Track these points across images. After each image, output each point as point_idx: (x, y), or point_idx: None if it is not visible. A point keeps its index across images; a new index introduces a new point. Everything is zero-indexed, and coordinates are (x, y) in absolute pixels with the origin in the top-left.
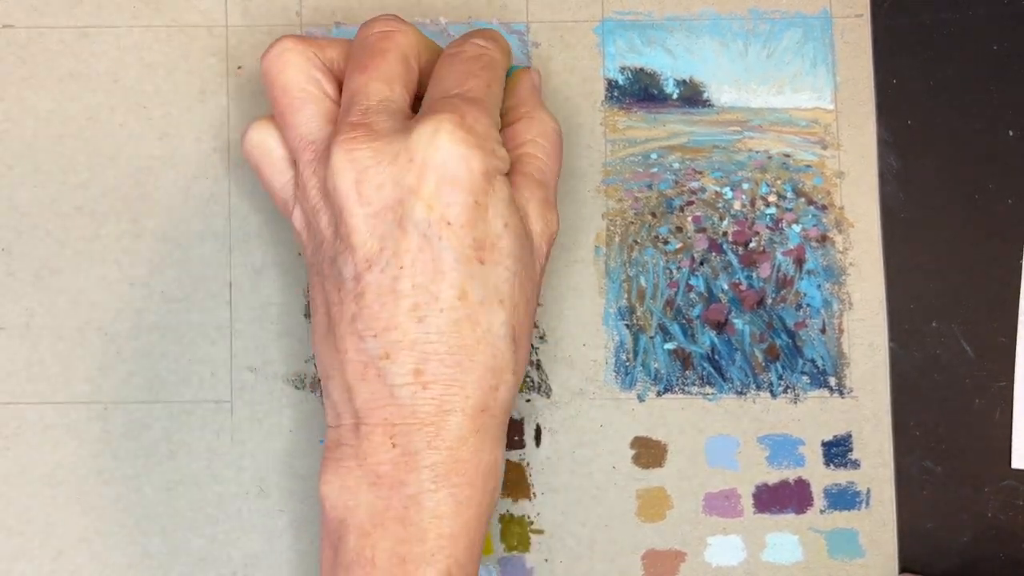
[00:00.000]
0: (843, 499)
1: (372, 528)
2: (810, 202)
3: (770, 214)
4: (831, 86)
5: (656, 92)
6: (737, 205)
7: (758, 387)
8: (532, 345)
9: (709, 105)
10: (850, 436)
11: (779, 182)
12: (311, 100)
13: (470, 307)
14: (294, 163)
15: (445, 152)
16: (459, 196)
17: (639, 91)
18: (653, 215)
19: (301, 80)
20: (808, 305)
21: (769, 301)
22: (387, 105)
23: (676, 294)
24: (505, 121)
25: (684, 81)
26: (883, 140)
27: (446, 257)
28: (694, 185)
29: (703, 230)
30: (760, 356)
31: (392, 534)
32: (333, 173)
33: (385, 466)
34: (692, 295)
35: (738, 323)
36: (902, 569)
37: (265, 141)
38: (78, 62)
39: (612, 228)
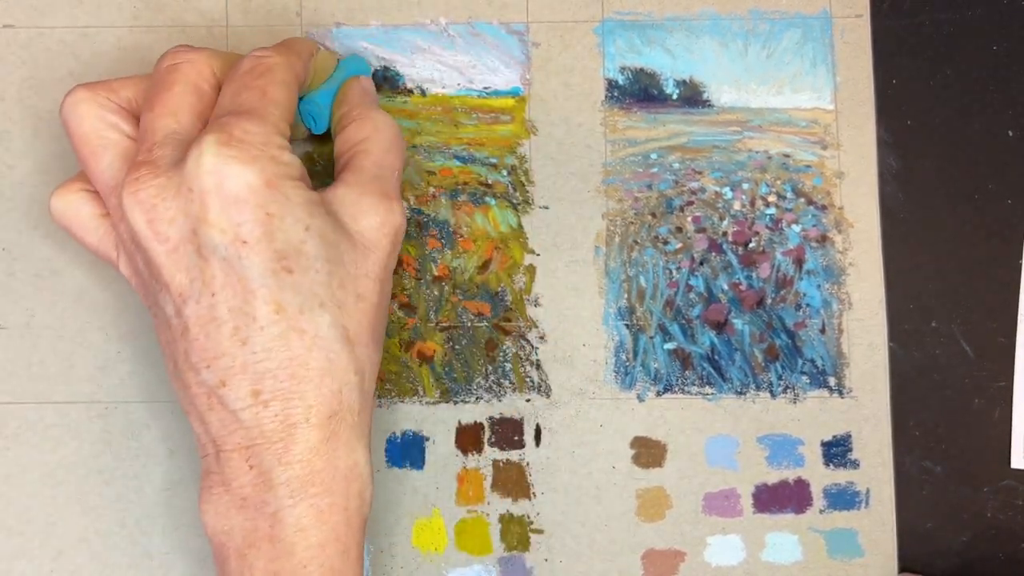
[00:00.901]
0: (842, 499)
1: (247, 549)
2: (810, 202)
3: (770, 214)
4: (831, 86)
5: (656, 92)
6: (737, 205)
7: (758, 387)
8: (532, 345)
9: (709, 105)
10: (849, 436)
11: (779, 182)
12: (109, 146)
13: (290, 318)
14: (107, 212)
15: (215, 174)
16: (246, 213)
17: (639, 91)
18: (653, 215)
19: (97, 128)
20: (808, 305)
21: (769, 301)
22: (173, 138)
23: (676, 294)
24: (338, 129)
25: (684, 81)
26: (883, 140)
27: (252, 275)
28: (694, 185)
29: (703, 230)
30: (760, 356)
31: (264, 553)
32: (126, 216)
33: (247, 488)
34: (692, 295)
35: (738, 323)
36: (901, 569)
37: (68, 207)
38: (78, 62)
39: (612, 228)
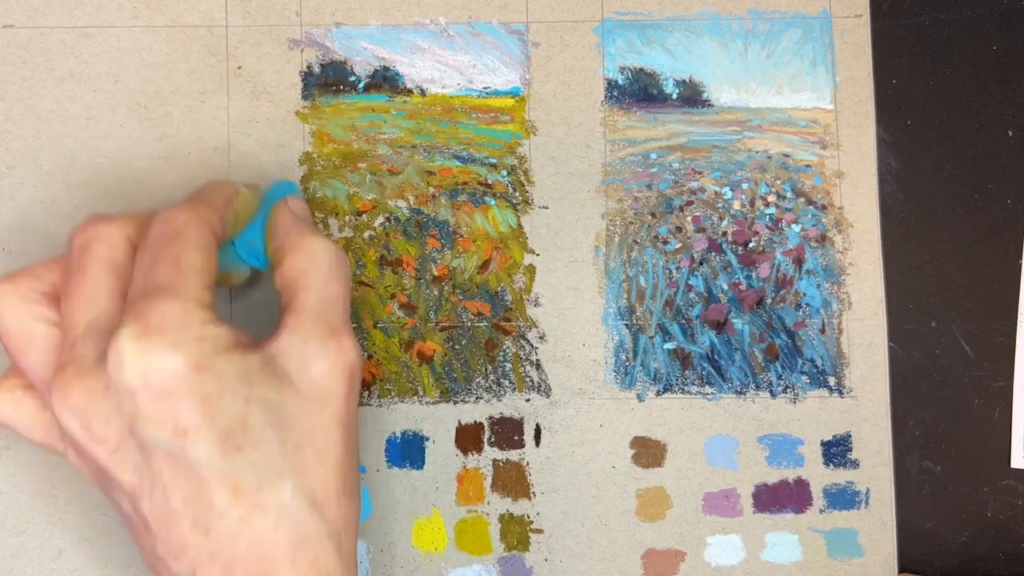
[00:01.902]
0: (842, 499)
1: None
2: (809, 202)
3: (769, 214)
4: (830, 86)
5: (656, 92)
6: (737, 205)
7: (757, 387)
8: (532, 345)
9: (709, 105)
10: (849, 436)
11: (778, 182)
12: (35, 340)
13: (249, 497)
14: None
15: (138, 370)
16: (180, 402)
17: (639, 91)
18: (653, 215)
19: (22, 322)
20: (807, 305)
21: (768, 301)
22: (95, 328)
23: (676, 294)
24: (274, 263)
25: (684, 81)
26: (882, 140)
27: (200, 463)
28: (694, 185)
29: (703, 230)
30: (759, 356)
31: None
32: (60, 422)
33: None
34: (692, 295)
35: (737, 323)
36: (901, 569)
37: (6, 406)
38: (78, 62)
39: (612, 228)
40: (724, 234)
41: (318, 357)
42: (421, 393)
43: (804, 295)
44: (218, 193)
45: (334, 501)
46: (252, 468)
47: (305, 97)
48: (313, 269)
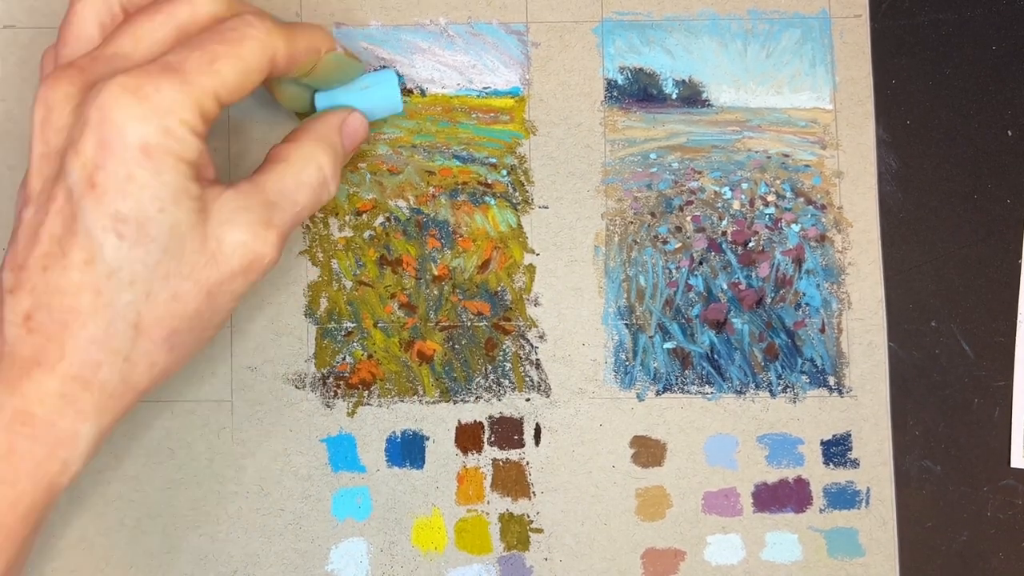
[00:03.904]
0: (842, 498)
1: None
2: (809, 202)
3: (769, 214)
4: (830, 86)
5: (655, 92)
6: (736, 205)
7: (757, 386)
8: (532, 344)
9: (708, 105)
10: (849, 435)
11: (778, 182)
12: (81, 40)
13: (95, 276)
14: None
15: (102, 112)
16: (110, 163)
17: (638, 91)
18: (652, 215)
19: (88, 18)
20: (807, 304)
21: (768, 301)
22: (119, 58)
23: (675, 294)
24: (289, 136)
25: (683, 81)
26: (882, 140)
27: (84, 219)
28: (693, 185)
29: (702, 230)
30: (759, 355)
31: None
32: (35, 103)
33: None
34: (691, 295)
35: (737, 323)
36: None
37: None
38: None
39: (611, 228)
40: (724, 234)
41: (239, 228)
42: (421, 393)
43: (804, 295)
44: (309, 37)
45: (154, 339)
46: (116, 258)
47: None
48: (301, 171)
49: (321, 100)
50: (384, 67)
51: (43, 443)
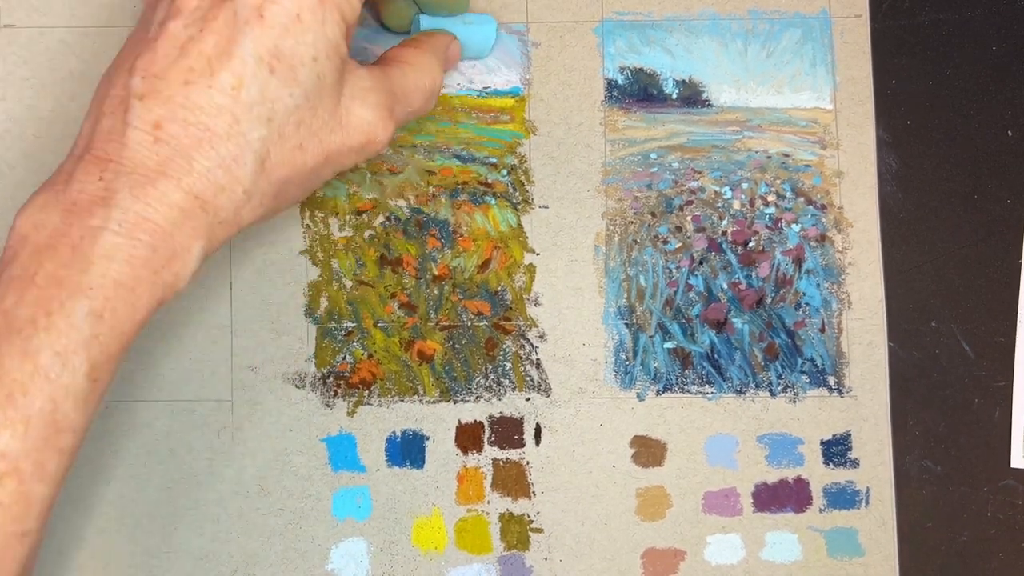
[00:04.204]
0: (842, 498)
1: (46, 248)
2: (809, 202)
3: (769, 214)
4: (830, 86)
5: (655, 92)
6: (736, 205)
7: (757, 386)
8: (532, 344)
9: (708, 105)
10: (849, 435)
11: (778, 182)
12: None
13: (238, 103)
14: None
15: None
16: (280, 4)
17: (639, 91)
18: (653, 215)
19: None
20: (807, 304)
21: (768, 300)
22: None
23: (676, 293)
24: (408, 43)
25: (683, 81)
26: (882, 140)
27: (242, 44)
28: (693, 185)
29: (702, 230)
30: (759, 355)
31: (60, 257)
32: None
33: (84, 195)
34: (691, 294)
35: (737, 322)
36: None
37: None
38: (79, 62)
39: (612, 227)
40: (724, 234)
41: (370, 106)
42: (421, 392)
43: (804, 294)
44: None
45: (272, 179)
46: (262, 92)
47: None
48: (422, 76)
49: (426, 22)
50: (487, 12)
51: (161, 253)
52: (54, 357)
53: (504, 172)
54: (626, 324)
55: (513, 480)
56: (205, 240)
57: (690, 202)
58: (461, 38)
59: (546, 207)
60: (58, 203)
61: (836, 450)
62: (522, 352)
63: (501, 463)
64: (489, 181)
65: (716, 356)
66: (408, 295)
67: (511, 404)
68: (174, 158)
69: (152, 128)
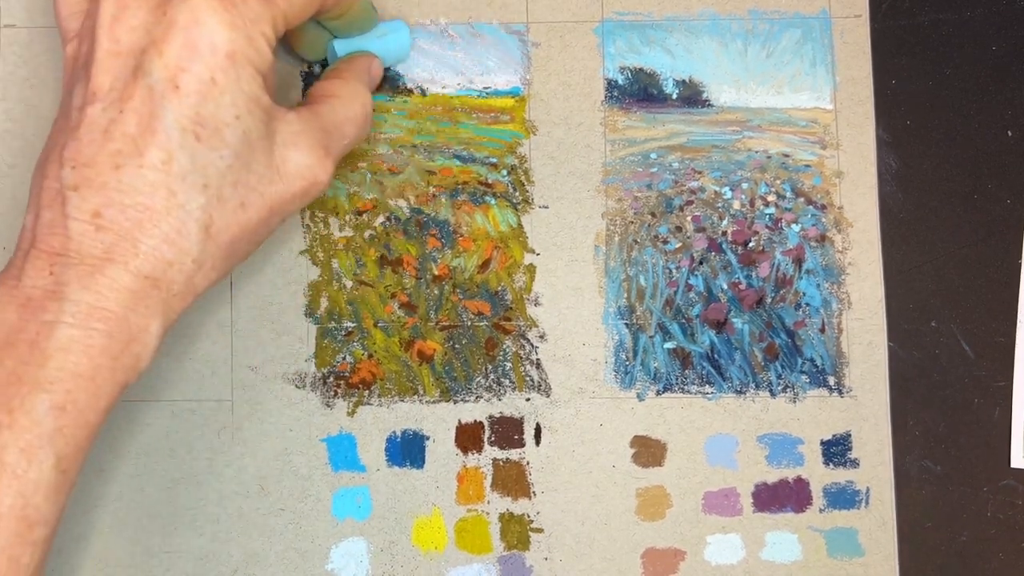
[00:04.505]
0: (842, 498)
1: (5, 345)
2: (809, 202)
3: (769, 214)
4: (830, 86)
5: (656, 92)
6: (736, 205)
7: (757, 386)
8: (532, 344)
9: (708, 105)
10: (849, 435)
11: (778, 182)
12: None
13: (171, 176)
14: None
15: (193, 14)
16: (195, 66)
17: (639, 91)
18: (653, 215)
19: None
20: (807, 304)
21: (768, 300)
22: None
23: (676, 293)
24: (329, 74)
25: (683, 81)
26: (882, 140)
27: (164, 118)
28: (693, 185)
29: (702, 230)
30: (759, 355)
31: (18, 353)
32: (98, 2)
33: (37, 291)
34: (691, 295)
35: (737, 322)
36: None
37: None
38: None
39: (612, 227)
40: (724, 234)
41: (304, 150)
42: (421, 392)
43: (804, 295)
44: None
45: (220, 243)
46: (193, 160)
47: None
48: (350, 106)
49: (340, 46)
50: (395, 18)
51: (118, 339)
52: (19, 454)
53: (504, 172)
54: (626, 324)
55: (513, 480)
56: (162, 316)
57: (690, 202)
58: (379, 52)
59: (546, 207)
60: (13, 299)
61: (836, 450)
62: (522, 352)
63: (501, 463)
64: (489, 181)
65: (716, 356)
66: (408, 295)
67: (511, 404)
68: (119, 243)
69: (92, 217)
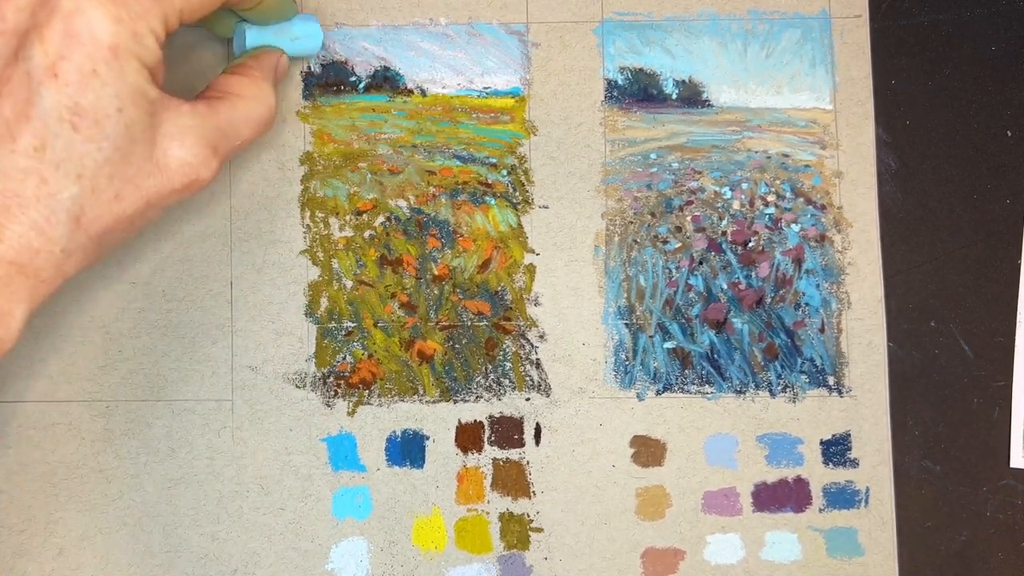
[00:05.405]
0: (842, 498)
1: None
2: (809, 202)
3: (769, 214)
4: (830, 86)
5: (655, 92)
6: (736, 205)
7: (757, 386)
8: (532, 344)
9: (708, 105)
10: (849, 435)
11: (778, 182)
12: None
13: (43, 164)
14: None
15: (79, 6)
16: (76, 55)
17: (638, 91)
18: (652, 215)
19: None
20: (807, 304)
21: (768, 300)
22: None
23: (675, 293)
24: (233, 67)
25: (683, 81)
26: (881, 140)
27: (40, 105)
28: (693, 185)
29: (702, 230)
30: (759, 355)
31: None
32: None
33: None
34: (691, 294)
35: (737, 322)
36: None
37: None
38: None
39: (611, 228)
40: (724, 234)
41: (187, 146)
42: (421, 392)
43: (803, 295)
44: None
45: (90, 234)
46: (68, 150)
47: (306, 97)
48: (250, 105)
49: (252, 37)
50: (311, 16)
51: None
52: None
53: (504, 172)
54: (626, 324)
55: (513, 480)
56: (27, 302)
57: (690, 202)
58: (289, 51)
59: (546, 207)
60: None
61: (836, 450)
62: (522, 352)
63: (501, 463)
64: (489, 181)
65: (716, 356)
66: (408, 295)
67: (511, 404)
68: None
69: None
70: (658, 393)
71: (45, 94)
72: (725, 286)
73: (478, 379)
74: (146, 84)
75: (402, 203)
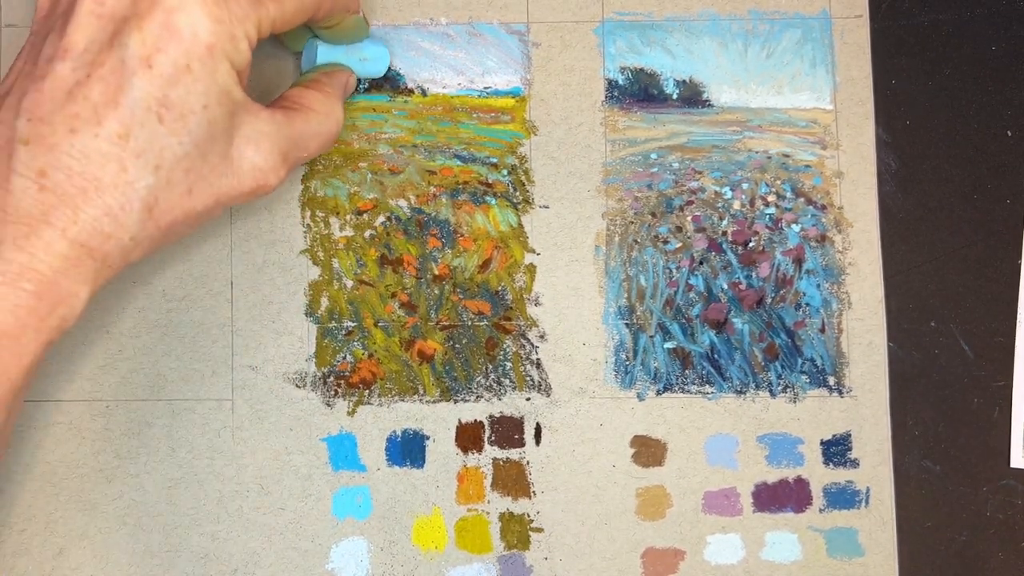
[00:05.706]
0: (842, 498)
1: None
2: (809, 202)
3: (769, 214)
4: (830, 86)
5: (656, 92)
6: (736, 205)
7: (757, 386)
8: (532, 344)
9: (709, 105)
10: (849, 435)
11: (778, 182)
12: None
13: (125, 151)
14: None
15: (182, 2)
16: (172, 49)
17: (639, 91)
18: (653, 215)
19: None
20: (807, 304)
21: (768, 300)
22: None
23: (676, 293)
24: (306, 83)
25: (684, 81)
26: (882, 140)
27: (130, 93)
28: (694, 185)
29: (703, 230)
30: (759, 355)
31: None
32: None
33: None
34: (692, 294)
35: (737, 322)
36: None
37: None
38: None
39: (612, 228)
40: (724, 234)
41: (263, 151)
42: (422, 392)
43: (804, 295)
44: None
45: (159, 224)
46: (150, 140)
47: None
48: (322, 121)
49: (323, 53)
50: (380, 41)
51: (47, 300)
52: None
53: (505, 172)
54: (626, 324)
55: (513, 480)
56: (92, 283)
57: (690, 202)
58: (357, 71)
59: (546, 207)
60: None
61: (836, 450)
62: (522, 352)
63: (501, 463)
64: (490, 181)
65: (716, 356)
66: (409, 295)
67: (511, 404)
68: (59, 207)
69: (37, 176)
70: (658, 393)
71: (136, 83)
72: (725, 286)
73: (478, 379)
74: (233, 85)
75: (402, 203)
